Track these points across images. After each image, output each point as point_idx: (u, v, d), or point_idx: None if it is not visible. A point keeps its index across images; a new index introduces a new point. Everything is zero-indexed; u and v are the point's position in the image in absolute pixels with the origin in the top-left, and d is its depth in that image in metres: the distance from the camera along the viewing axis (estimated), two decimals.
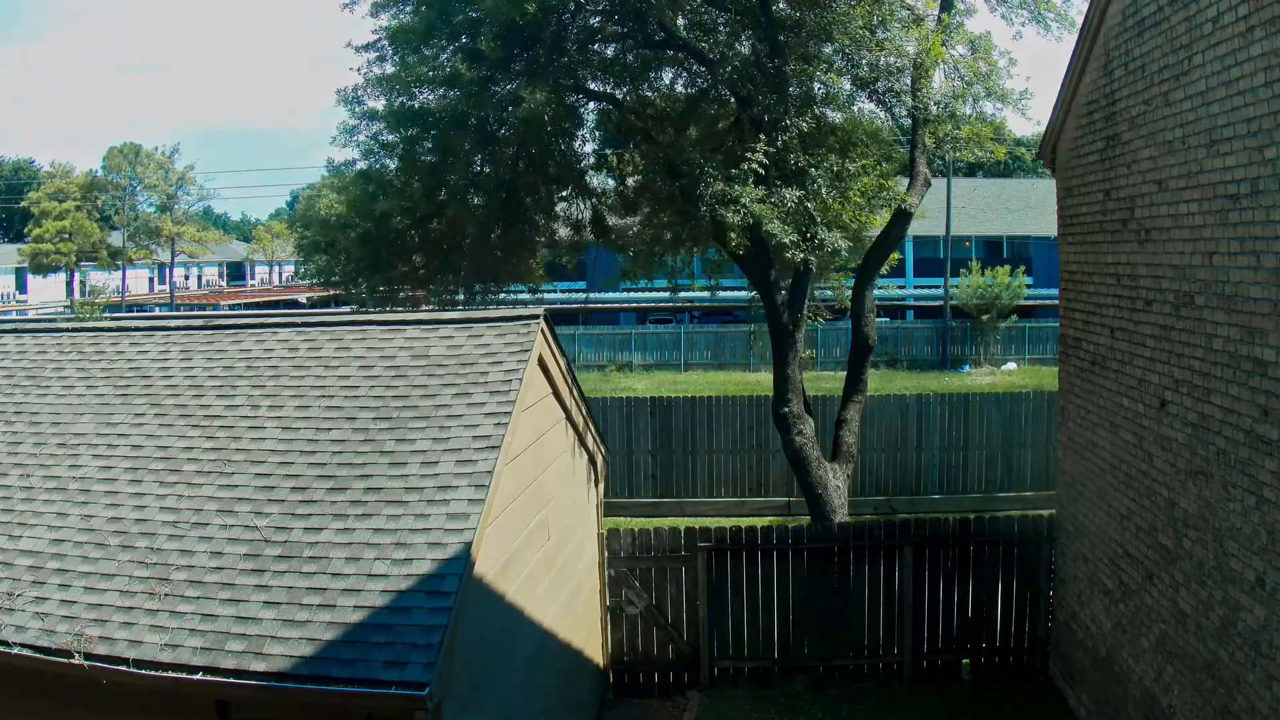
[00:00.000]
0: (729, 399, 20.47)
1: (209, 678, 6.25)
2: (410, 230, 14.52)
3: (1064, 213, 11.80)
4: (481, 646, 7.38)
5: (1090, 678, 10.96)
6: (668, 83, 14.70)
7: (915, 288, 49.70)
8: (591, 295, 43.12)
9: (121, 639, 6.55)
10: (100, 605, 6.81)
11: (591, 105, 14.80)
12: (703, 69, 13.89)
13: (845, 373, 15.62)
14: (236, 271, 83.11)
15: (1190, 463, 8.32)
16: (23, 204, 66.31)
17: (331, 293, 18.67)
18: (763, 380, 31.87)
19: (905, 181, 14.44)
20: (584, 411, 10.91)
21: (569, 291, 44.10)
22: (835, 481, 14.01)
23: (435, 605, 6.47)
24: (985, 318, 40.60)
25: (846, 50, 12.66)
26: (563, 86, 12.93)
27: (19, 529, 7.56)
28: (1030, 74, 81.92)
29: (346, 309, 18.51)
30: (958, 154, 14.48)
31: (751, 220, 11.78)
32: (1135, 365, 9.57)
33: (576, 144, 14.87)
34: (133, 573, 7.02)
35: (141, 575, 6.99)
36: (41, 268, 58.03)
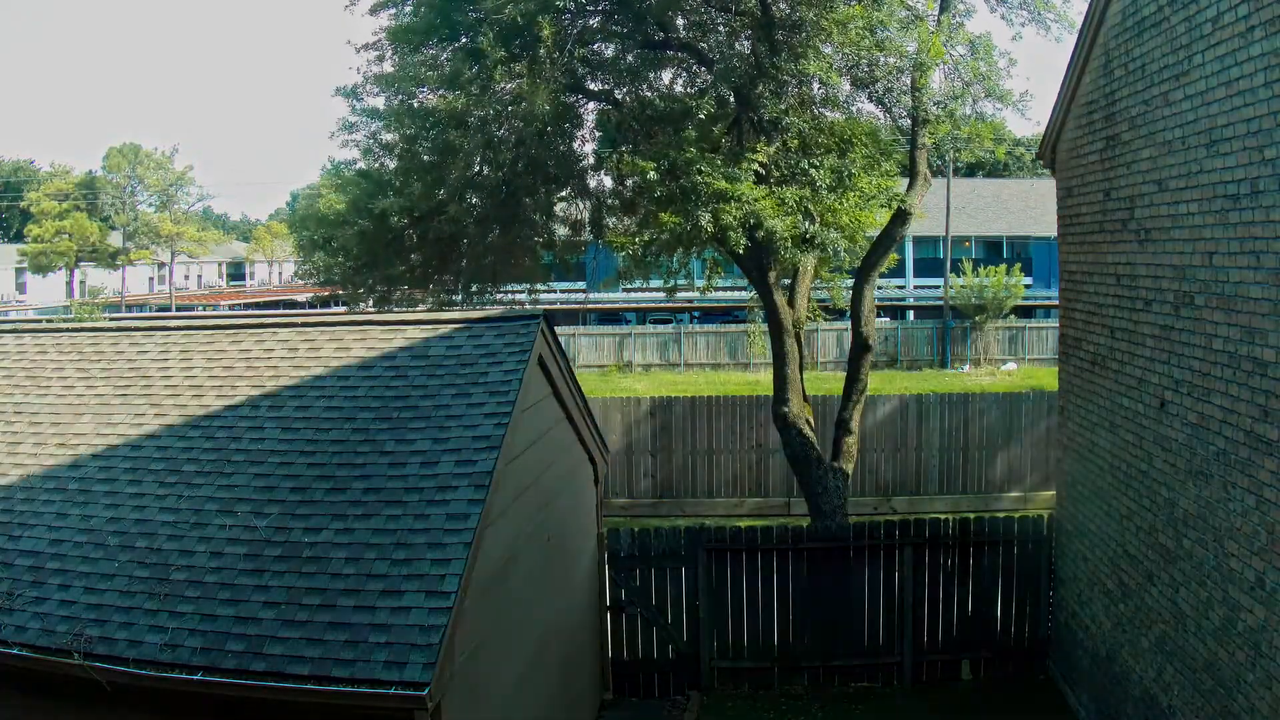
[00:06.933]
0: (729, 399, 20.47)
1: (209, 678, 6.25)
2: (409, 229, 14.54)
3: (1064, 213, 11.80)
4: (481, 646, 7.38)
5: (1090, 678, 10.96)
6: (667, 83, 14.72)
7: (915, 288, 49.69)
8: (591, 295, 43.13)
9: (121, 639, 6.54)
10: (100, 605, 6.81)
11: (591, 105, 14.82)
12: (702, 69, 13.90)
13: (845, 373, 15.62)
14: (236, 271, 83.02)
15: (1190, 463, 8.32)
16: (22, 204, 66.24)
17: (331, 292, 18.69)
18: (763, 380, 31.87)
19: (904, 181, 14.45)
20: (584, 411, 10.91)
21: (569, 291, 44.10)
22: (835, 481, 14.01)
23: (435, 605, 6.47)
24: (980, 318, 40.61)
25: (846, 51, 12.66)
26: (562, 86, 12.94)
27: (19, 529, 7.56)
28: (1030, 74, 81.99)
29: (343, 308, 18.54)
30: (958, 154, 14.51)
31: (752, 220, 11.79)
32: (1135, 365, 9.57)
33: (576, 144, 14.89)
34: (133, 573, 7.01)
35: (141, 575, 6.98)
36: (41, 268, 57.97)
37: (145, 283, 69.10)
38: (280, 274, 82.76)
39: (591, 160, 15.52)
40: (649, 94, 14.08)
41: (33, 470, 8.12)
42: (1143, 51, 9.12)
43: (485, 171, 13.68)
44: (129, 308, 56.12)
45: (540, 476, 9.28)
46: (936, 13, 13.78)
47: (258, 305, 59.61)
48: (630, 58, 13.89)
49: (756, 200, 11.68)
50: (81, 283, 62.62)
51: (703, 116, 12.68)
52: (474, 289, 16.03)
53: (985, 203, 54.83)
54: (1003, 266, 41.25)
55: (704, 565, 12.31)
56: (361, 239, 14.56)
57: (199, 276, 78.76)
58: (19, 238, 71.06)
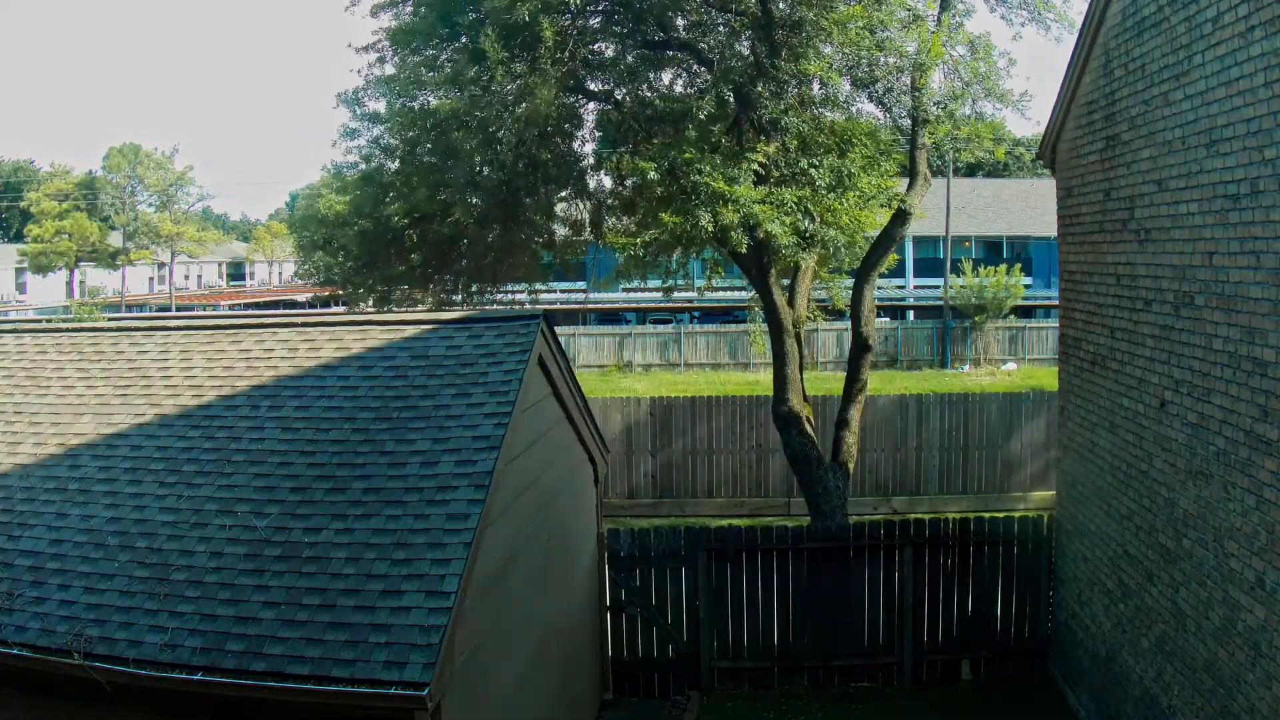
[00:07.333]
0: (729, 399, 20.48)
1: (209, 678, 6.25)
2: (409, 230, 14.54)
3: (1064, 213, 11.80)
4: (481, 646, 7.38)
5: (1090, 678, 10.96)
6: (667, 83, 14.73)
7: (915, 288, 49.71)
8: (591, 295, 43.12)
9: (121, 639, 6.54)
10: (100, 605, 6.81)
11: (591, 105, 14.82)
12: (702, 69, 13.90)
13: (845, 372, 15.62)
14: (236, 271, 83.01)
15: (1190, 463, 8.32)
16: (23, 204, 66.25)
17: (331, 292, 18.71)
18: (763, 380, 31.87)
19: (904, 181, 14.45)
20: (584, 411, 10.91)
21: (569, 291, 44.11)
22: (835, 481, 14.01)
23: (435, 605, 6.47)
24: (980, 318, 40.62)
25: (846, 51, 12.66)
26: (563, 87, 12.93)
27: (19, 529, 7.56)
28: (1030, 74, 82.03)
29: (343, 308, 18.56)
30: (958, 154, 14.49)
31: (752, 221, 11.80)
32: (1135, 365, 9.57)
33: (576, 144, 14.89)
34: (133, 573, 7.01)
35: (141, 575, 6.98)
36: (41, 268, 57.98)
37: (145, 283, 69.10)
38: (280, 274, 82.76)
39: (591, 160, 15.54)
40: (649, 94, 14.09)
41: (33, 470, 8.12)
42: (1143, 51, 9.12)
43: (486, 172, 13.68)
44: (129, 308, 56.10)
45: (540, 476, 9.28)
46: (936, 13, 13.77)
47: (258, 305, 59.58)
48: (630, 58, 13.89)
49: (755, 204, 11.68)
50: (81, 283, 62.63)
51: (703, 117, 12.69)
52: (474, 289, 16.04)
53: (985, 203, 54.85)
54: (1003, 266, 41.24)
55: (704, 565, 12.30)
56: (362, 239, 14.58)
57: (199, 276, 78.75)
58: (19, 238, 71.06)
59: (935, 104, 13.39)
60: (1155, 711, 9.05)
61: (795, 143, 13.22)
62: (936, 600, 12.39)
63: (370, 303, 16.09)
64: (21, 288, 62.88)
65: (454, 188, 13.26)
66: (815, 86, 13.46)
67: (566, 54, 12.93)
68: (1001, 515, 13.76)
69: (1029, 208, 53.01)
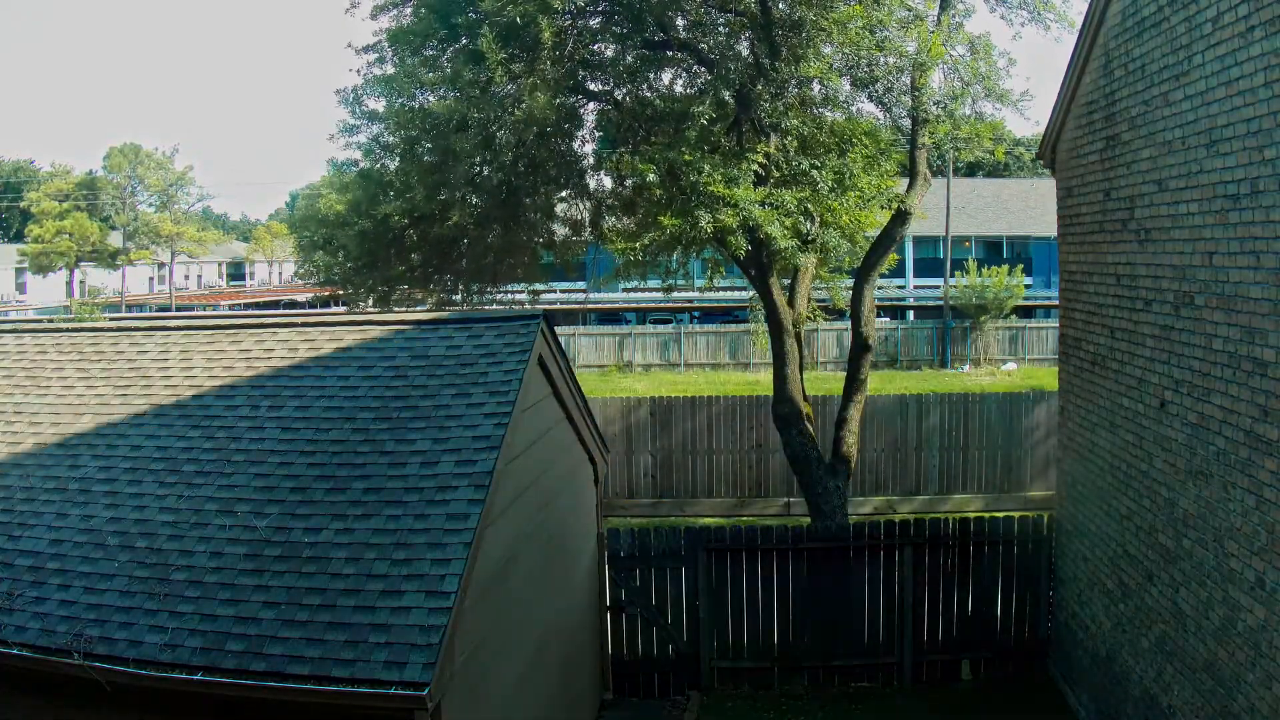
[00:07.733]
0: (729, 399, 20.48)
1: (209, 678, 6.25)
2: (409, 229, 14.54)
3: (1064, 213, 11.81)
4: (481, 646, 7.38)
5: (1090, 678, 10.96)
6: (667, 83, 14.73)
7: (915, 288, 49.71)
8: (591, 295, 43.13)
9: (121, 639, 6.55)
10: (100, 605, 6.81)
11: (591, 106, 14.82)
12: (702, 69, 13.90)
13: (845, 372, 15.62)
14: (236, 271, 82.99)
15: (1190, 463, 8.32)
16: (23, 204, 66.27)
17: (331, 292, 18.74)
18: (763, 380, 31.88)
19: (904, 181, 14.44)
20: (584, 411, 10.91)
21: (569, 291, 44.11)
22: (835, 481, 14.01)
23: (435, 605, 6.47)
24: (980, 318, 40.64)
25: (846, 51, 12.66)
26: (563, 87, 12.93)
27: (19, 529, 7.56)
28: (1030, 74, 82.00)
29: (343, 308, 18.59)
30: (958, 154, 14.48)
31: (751, 223, 11.80)
32: (1135, 365, 9.57)
33: (576, 144, 14.89)
34: (133, 573, 7.01)
35: (141, 575, 6.98)
36: (41, 268, 57.96)
37: (145, 283, 69.09)
38: (280, 274, 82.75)
39: (591, 160, 15.54)
40: (649, 94, 14.09)
41: (33, 470, 8.12)
42: (1143, 51, 9.12)
43: (485, 172, 13.69)
44: (129, 308, 56.12)
45: (540, 476, 9.28)
46: (936, 12, 13.77)
47: (258, 305, 59.60)
48: (630, 58, 13.88)
49: (755, 206, 11.67)
50: (81, 283, 62.60)
51: (704, 122, 12.69)
52: (474, 289, 16.04)
53: (985, 203, 54.84)
54: (1004, 266, 41.27)
55: (704, 565, 12.31)
56: (362, 239, 14.58)
57: (199, 276, 78.74)
58: (19, 238, 71.07)
59: (935, 104, 13.38)
60: (1155, 711, 9.05)
61: (795, 143, 13.21)
62: (936, 600, 12.39)
63: (370, 303, 16.10)
64: (21, 288, 62.86)
65: (453, 188, 13.26)
66: (815, 87, 13.45)
67: (566, 54, 12.93)
68: (1001, 515, 13.77)
69: (1029, 208, 53.00)
